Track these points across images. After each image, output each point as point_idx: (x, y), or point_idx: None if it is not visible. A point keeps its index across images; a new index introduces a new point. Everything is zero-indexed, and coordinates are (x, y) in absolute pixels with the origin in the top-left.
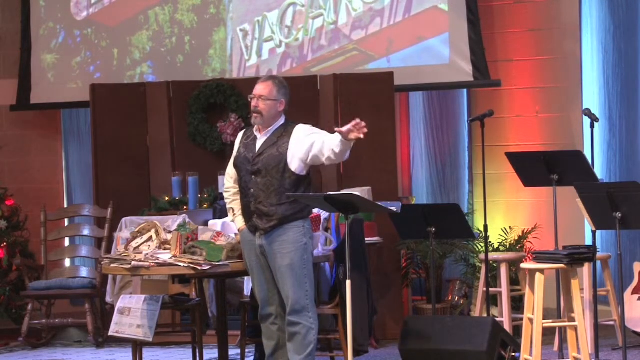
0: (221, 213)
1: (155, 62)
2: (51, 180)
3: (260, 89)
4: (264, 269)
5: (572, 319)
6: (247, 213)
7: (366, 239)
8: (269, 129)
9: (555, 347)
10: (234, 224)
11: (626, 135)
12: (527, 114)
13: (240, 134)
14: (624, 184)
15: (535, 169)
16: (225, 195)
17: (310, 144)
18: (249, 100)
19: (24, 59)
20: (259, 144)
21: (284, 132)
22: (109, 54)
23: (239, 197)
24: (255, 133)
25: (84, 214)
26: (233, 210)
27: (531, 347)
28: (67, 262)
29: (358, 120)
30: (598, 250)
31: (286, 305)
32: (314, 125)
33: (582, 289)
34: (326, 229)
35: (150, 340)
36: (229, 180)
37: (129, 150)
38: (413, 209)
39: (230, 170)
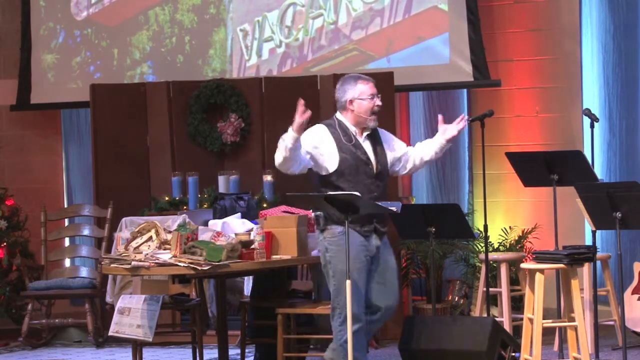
0: (221, 213)
1: (155, 62)
2: (51, 180)
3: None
4: (366, 272)
5: (572, 319)
6: (365, 217)
7: None
8: (365, 131)
9: (555, 347)
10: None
11: (626, 135)
12: (527, 114)
13: (323, 131)
14: (624, 184)
15: (535, 169)
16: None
17: (408, 154)
18: (374, 97)
19: (24, 59)
20: (367, 146)
21: (372, 134)
22: (109, 54)
23: None
24: (355, 135)
25: (84, 214)
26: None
27: (531, 347)
28: (67, 262)
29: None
30: (598, 250)
31: (385, 306)
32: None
33: (582, 289)
34: None
35: (150, 340)
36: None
37: (129, 150)
38: (413, 209)
39: (307, 155)
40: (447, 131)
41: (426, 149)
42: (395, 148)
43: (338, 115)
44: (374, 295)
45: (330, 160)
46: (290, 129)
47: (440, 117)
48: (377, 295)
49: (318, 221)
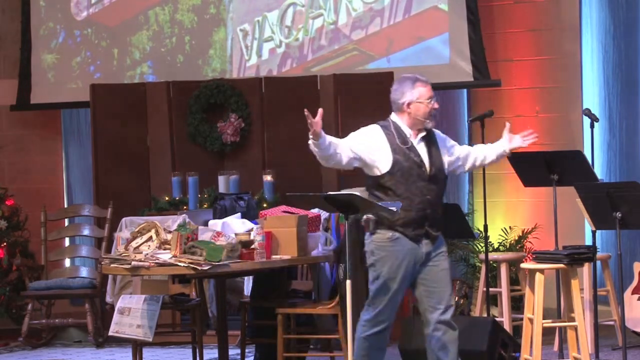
0: (221, 213)
1: (155, 62)
2: (51, 180)
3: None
4: (410, 280)
5: (572, 319)
6: (417, 221)
7: None
8: (420, 133)
9: (555, 347)
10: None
11: (626, 135)
12: (527, 114)
13: (377, 132)
14: (624, 184)
15: (535, 169)
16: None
17: (468, 152)
18: (431, 100)
19: (24, 59)
20: (421, 149)
21: (427, 136)
22: (109, 54)
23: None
24: (410, 137)
25: (84, 214)
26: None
27: (531, 347)
28: (67, 262)
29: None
30: (598, 250)
31: (436, 309)
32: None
33: (582, 289)
34: (326, 229)
35: (150, 340)
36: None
37: (129, 150)
38: None
39: (352, 154)
40: (514, 141)
41: (489, 153)
42: (450, 150)
43: (393, 116)
44: (424, 305)
45: (382, 161)
46: (310, 136)
47: (507, 125)
48: (427, 306)
49: (368, 224)
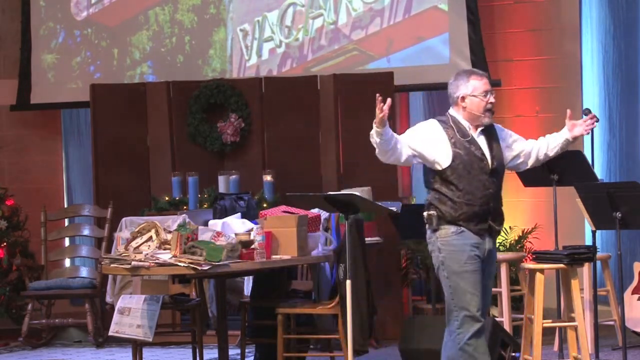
0: (221, 213)
1: (155, 62)
2: (51, 180)
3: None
4: (481, 272)
5: (572, 319)
6: (480, 215)
7: (366, 239)
8: (479, 127)
9: (555, 347)
10: (373, 130)
11: (626, 135)
12: (527, 114)
13: (435, 127)
14: (624, 184)
15: (535, 169)
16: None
17: (531, 148)
18: (487, 94)
19: (24, 59)
20: (482, 142)
21: (487, 130)
22: (109, 54)
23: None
24: (469, 130)
25: (84, 214)
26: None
27: (531, 347)
28: (67, 262)
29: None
30: (598, 250)
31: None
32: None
33: (582, 289)
34: (326, 229)
35: (150, 340)
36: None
37: (129, 150)
38: (413, 209)
39: (410, 151)
40: (575, 129)
41: (551, 144)
42: (511, 144)
43: (451, 111)
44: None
45: (442, 155)
46: (374, 125)
47: (568, 112)
48: (485, 300)
49: (431, 221)
